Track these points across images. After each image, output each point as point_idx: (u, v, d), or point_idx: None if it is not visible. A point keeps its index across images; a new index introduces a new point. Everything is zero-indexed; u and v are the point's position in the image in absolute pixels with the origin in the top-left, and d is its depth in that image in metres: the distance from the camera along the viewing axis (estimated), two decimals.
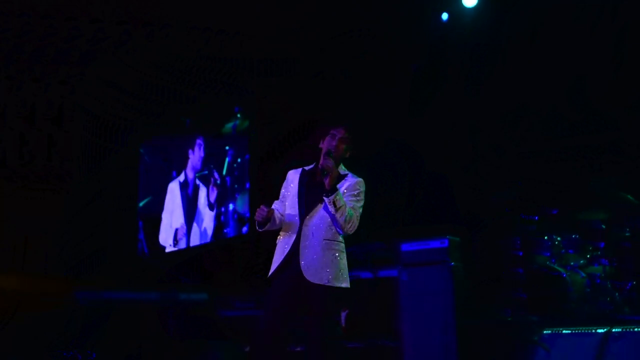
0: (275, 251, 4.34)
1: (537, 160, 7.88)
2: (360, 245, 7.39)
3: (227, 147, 9.38)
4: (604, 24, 7.36)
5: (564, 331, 5.49)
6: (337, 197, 4.15)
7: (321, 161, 4.22)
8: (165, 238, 9.86)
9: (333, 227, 4.24)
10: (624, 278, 6.45)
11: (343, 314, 7.04)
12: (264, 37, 9.34)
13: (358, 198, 4.34)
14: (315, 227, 4.25)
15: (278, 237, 4.37)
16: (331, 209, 4.16)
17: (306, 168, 4.48)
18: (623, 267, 6.53)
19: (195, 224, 9.50)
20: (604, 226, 6.56)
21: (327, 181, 4.17)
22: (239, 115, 9.18)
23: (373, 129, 8.66)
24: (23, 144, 10.31)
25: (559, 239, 6.81)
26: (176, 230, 9.65)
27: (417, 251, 6.38)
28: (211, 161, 9.53)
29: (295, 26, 8.97)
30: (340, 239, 4.30)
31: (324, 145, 4.35)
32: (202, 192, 9.56)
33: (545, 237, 6.87)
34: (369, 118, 8.64)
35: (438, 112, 8.34)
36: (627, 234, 6.52)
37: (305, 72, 9.37)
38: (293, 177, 4.46)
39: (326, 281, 4.17)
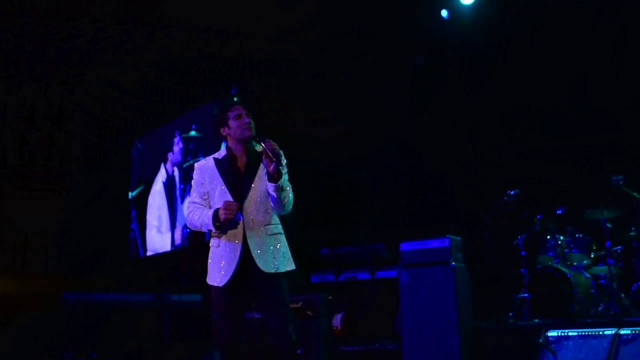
0: (218, 254, 4.12)
1: (537, 160, 7.87)
2: (358, 246, 7.36)
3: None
4: (604, 24, 7.35)
5: (570, 333, 5.37)
6: (284, 181, 4.04)
7: (268, 146, 3.95)
8: (159, 243, 9.72)
9: (270, 211, 4.14)
10: (630, 279, 6.34)
11: (339, 316, 6.99)
12: (264, 37, 9.33)
13: (285, 170, 4.15)
14: (254, 215, 4.10)
15: (214, 238, 4.17)
16: (276, 194, 4.02)
17: (218, 157, 4.25)
18: (629, 268, 6.41)
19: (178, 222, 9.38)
20: (609, 225, 6.42)
21: (273, 167, 3.96)
22: (233, 92, 9.08)
23: (373, 129, 8.67)
24: (23, 144, 10.32)
25: (562, 238, 6.72)
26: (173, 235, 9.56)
27: (416, 251, 6.20)
28: (207, 148, 9.43)
29: (295, 26, 8.96)
30: (278, 221, 4.21)
31: (232, 130, 4.18)
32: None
33: (549, 237, 6.78)
34: (369, 118, 8.65)
35: (438, 112, 8.33)
36: (632, 233, 6.40)
37: (305, 72, 9.36)
38: (209, 170, 4.22)
39: (277, 268, 4.08)
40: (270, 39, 9.33)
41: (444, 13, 8.33)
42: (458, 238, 6.27)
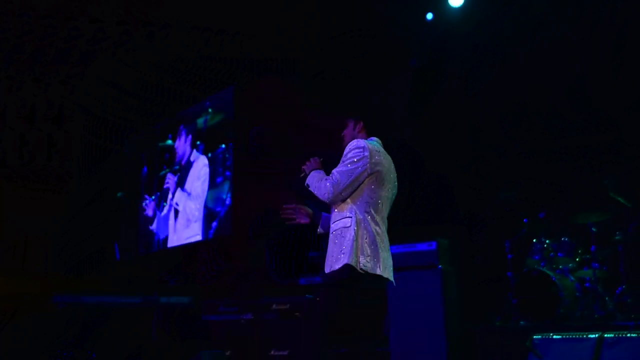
0: None
1: (537, 160, 7.86)
2: None
3: (197, 142, 9.28)
4: (604, 24, 7.35)
5: (554, 336, 5.38)
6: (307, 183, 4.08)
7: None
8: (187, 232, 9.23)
9: (335, 208, 4.02)
10: (615, 282, 6.30)
11: None
12: (264, 37, 9.34)
13: (342, 160, 4.04)
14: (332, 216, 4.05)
15: None
16: None
17: None
18: (614, 271, 6.38)
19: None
20: (594, 229, 6.38)
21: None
22: (210, 110, 9.06)
23: (373, 129, 8.66)
24: (23, 144, 10.33)
25: (548, 241, 6.69)
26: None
27: (404, 254, 6.12)
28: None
29: (295, 26, 8.96)
30: (345, 213, 3.94)
31: (347, 134, 4.30)
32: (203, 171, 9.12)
33: (535, 240, 6.75)
34: (368, 118, 8.63)
35: (438, 112, 8.33)
36: (617, 237, 6.35)
37: (305, 72, 9.36)
38: None
39: (329, 268, 3.89)
40: (270, 39, 9.34)
41: (429, 16, 8.32)
42: (446, 241, 6.25)
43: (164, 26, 9.50)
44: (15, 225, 9.86)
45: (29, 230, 10.03)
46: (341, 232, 3.89)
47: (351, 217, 3.89)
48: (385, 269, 3.90)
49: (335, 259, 3.85)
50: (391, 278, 3.98)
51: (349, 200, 3.96)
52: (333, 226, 3.97)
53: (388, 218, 4.24)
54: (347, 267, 3.78)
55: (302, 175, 4.15)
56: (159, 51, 9.71)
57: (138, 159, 10.12)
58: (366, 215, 3.92)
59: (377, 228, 3.95)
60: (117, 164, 10.44)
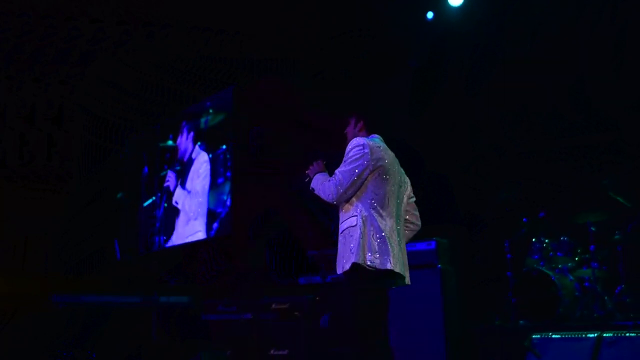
0: None
1: (537, 160, 7.85)
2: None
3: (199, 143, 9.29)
4: (604, 24, 7.34)
5: (554, 336, 5.38)
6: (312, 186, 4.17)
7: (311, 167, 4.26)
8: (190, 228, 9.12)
9: (341, 207, 4.08)
10: (614, 282, 6.31)
11: (326, 317, 6.97)
12: (264, 37, 9.34)
13: (344, 160, 4.09)
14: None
15: None
16: None
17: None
18: (613, 271, 6.39)
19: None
20: (593, 229, 6.40)
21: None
22: (210, 111, 9.05)
23: (374, 127, 8.65)
24: (23, 144, 10.32)
25: (547, 241, 6.70)
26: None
27: None
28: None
29: (295, 26, 8.96)
30: (351, 212, 3.99)
31: (349, 132, 4.36)
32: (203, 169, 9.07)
33: (534, 240, 6.76)
34: (369, 116, 8.61)
35: (438, 112, 8.32)
36: (617, 237, 6.36)
37: (305, 72, 9.36)
38: None
39: (341, 269, 3.94)
40: (270, 39, 9.33)
41: (430, 15, 8.31)
42: (445, 240, 6.22)
43: (164, 26, 9.50)
44: (15, 225, 9.85)
45: (29, 230, 10.02)
46: (349, 232, 3.95)
47: (356, 216, 3.95)
48: (396, 264, 3.92)
49: (345, 259, 3.90)
50: (404, 274, 3.99)
51: (353, 198, 4.01)
52: (341, 227, 4.03)
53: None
54: (354, 265, 3.84)
55: (307, 180, 4.20)
56: (159, 51, 9.71)
57: (139, 159, 10.11)
58: (372, 211, 3.96)
59: (385, 223, 3.98)
60: (117, 164, 10.43)
